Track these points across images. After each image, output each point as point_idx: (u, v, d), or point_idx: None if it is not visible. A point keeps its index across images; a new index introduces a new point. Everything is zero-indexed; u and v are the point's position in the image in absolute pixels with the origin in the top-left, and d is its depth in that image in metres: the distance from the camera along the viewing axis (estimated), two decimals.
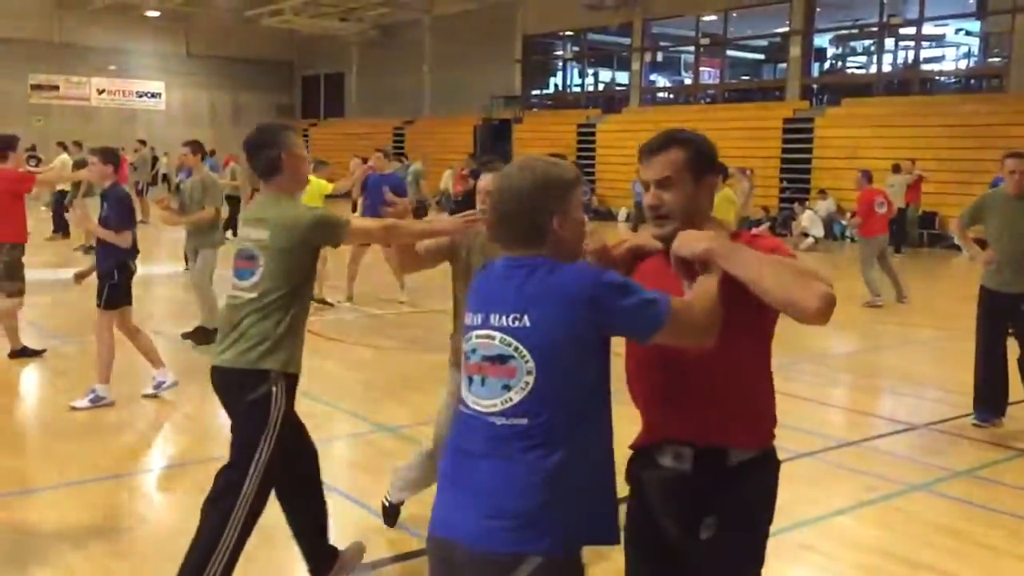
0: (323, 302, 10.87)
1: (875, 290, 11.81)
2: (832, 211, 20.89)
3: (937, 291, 13.07)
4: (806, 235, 19.54)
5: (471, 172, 18.11)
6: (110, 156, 6.70)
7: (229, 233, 12.65)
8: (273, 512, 3.75)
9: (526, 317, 2.16)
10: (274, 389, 3.45)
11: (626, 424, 2.44)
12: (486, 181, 4.01)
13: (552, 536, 2.12)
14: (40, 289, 10.21)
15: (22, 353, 7.95)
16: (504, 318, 2.19)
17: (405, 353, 8.95)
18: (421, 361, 8.18)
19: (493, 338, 2.20)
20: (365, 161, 13.24)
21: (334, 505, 4.95)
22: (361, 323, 10.18)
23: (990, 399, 6.38)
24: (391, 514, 4.53)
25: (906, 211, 18.64)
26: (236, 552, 3.39)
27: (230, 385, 3.49)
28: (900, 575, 4.19)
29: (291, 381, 3.54)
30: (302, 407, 6.67)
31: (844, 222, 20.40)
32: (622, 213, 25.40)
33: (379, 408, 6.77)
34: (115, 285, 6.53)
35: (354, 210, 14.58)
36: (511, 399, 2.16)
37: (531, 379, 2.15)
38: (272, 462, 3.46)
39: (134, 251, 6.63)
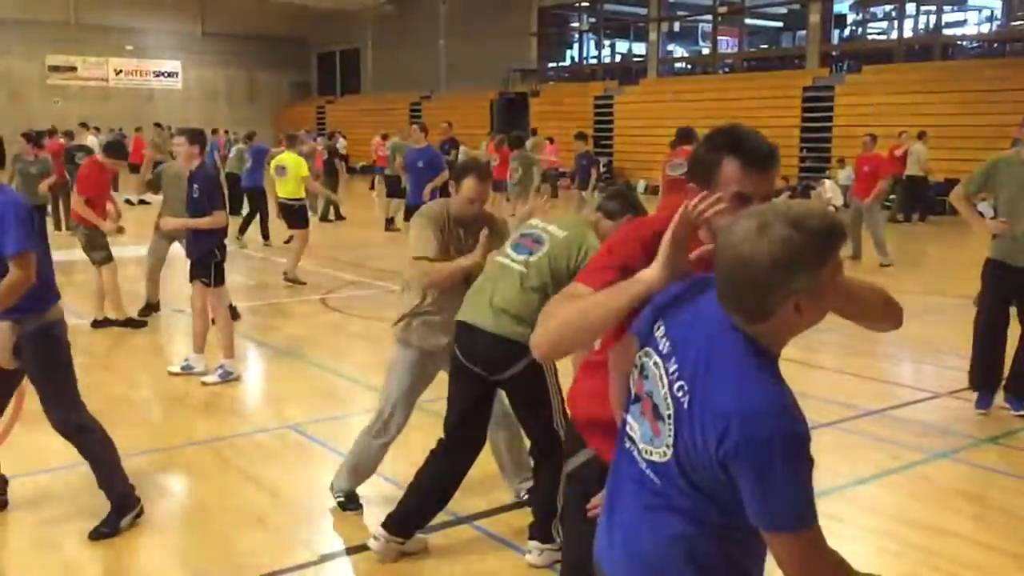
0: (296, 281, 10.72)
1: (886, 251, 12.40)
2: (853, 179, 20.64)
3: (958, 259, 12.91)
4: (835, 207, 19.33)
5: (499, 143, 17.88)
6: (197, 137, 6.67)
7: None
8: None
9: (687, 399, 1.75)
10: None
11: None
12: (470, 189, 4.06)
13: None
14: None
15: (128, 323, 8.30)
16: (678, 376, 1.79)
17: None
18: None
19: (663, 385, 1.82)
20: (385, 138, 13.23)
21: None
22: (381, 298, 10.19)
23: (988, 380, 6.06)
24: (348, 503, 4.40)
25: (926, 179, 18.47)
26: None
27: None
28: (925, 542, 4.19)
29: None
30: (326, 382, 6.79)
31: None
32: (640, 185, 25.28)
33: None
34: (220, 262, 6.65)
35: (399, 184, 14.54)
36: (651, 454, 1.85)
37: (669, 453, 1.80)
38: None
39: (225, 228, 6.77)
